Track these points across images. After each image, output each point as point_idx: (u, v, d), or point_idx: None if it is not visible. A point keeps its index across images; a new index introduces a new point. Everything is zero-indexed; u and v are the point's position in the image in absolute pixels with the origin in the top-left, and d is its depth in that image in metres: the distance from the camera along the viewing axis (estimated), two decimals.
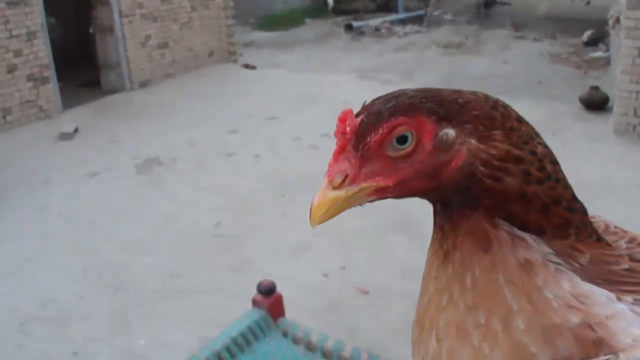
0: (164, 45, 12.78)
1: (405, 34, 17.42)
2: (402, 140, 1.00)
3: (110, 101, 11.53)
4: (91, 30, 12.32)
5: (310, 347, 2.98)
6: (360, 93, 11.33)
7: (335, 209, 1.01)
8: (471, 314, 1.01)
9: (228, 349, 3.02)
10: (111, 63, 12.07)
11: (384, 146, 1.00)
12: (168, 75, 12.88)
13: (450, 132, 1.01)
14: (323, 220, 1.01)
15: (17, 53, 10.21)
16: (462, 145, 1.01)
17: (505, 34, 16.53)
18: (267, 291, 3.22)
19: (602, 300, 0.97)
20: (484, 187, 1.01)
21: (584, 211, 1.09)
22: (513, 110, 1.08)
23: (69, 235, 6.82)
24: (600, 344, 0.94)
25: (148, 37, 12.42)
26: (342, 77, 12.59)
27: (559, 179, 1.06)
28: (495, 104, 1.06)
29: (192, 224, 6.89)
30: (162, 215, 7.13)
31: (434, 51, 15.19)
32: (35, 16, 10.39)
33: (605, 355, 0.93)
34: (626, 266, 1.05)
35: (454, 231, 1.05)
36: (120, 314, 5.37)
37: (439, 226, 1.08)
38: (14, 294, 5.78)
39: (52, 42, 10.92)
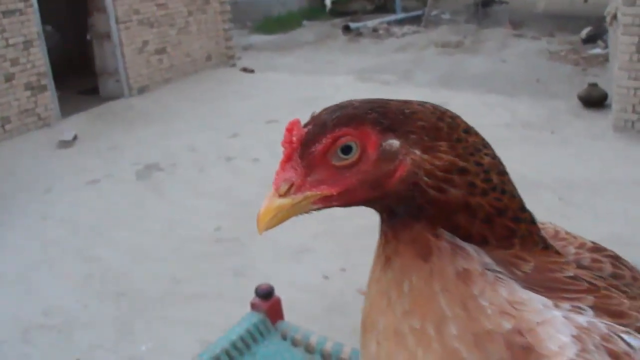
0: (161, 51, 12.79)
1: (404, 34, 17.41)
2: (346, 150, 1.01)
3: (109, 108, 11.54)
4: (88, 37, 12.34)
5: (309, 349, 2.99)
6: (359, 94, 11.21)
7: (281, 216, 1.03)
8: (407, 319, 1.03)
9: (227, 353, 3.02)
10: (109, 70, 12.08)
11: (328, 156, 1.02)
12: (166, 81, 12.89)
13: (394, 143, 1.02)
14: (269, 227, 1.04)
15: (14, 62, 10.21)
16: (406, 156, 1.02)
17: (503, 33, 16.52)
18: (265, 294, 3.22)
19: (536, 307, 0.99)
20: (428, 197, 1.02)
21: (531, 220, 1.11)
22: (462, 121, 1.09)
23: (71, 242, 6.83)
24: (529, 350, 0.95)
25: (145, 43, 12.43)
26: (341, 78, 12.59)
27: (506, 190, 1.07)
28: (443, 115, 1.07)
29: (193, 229, 6.90)
30: (162, 221, 7.14)
31: (433, 51, 15.18)
32: (31, 24, 10.39)
33: None
34: (571, 274, 1.06)
35: (396, 238, 1.06)
36: (123, 320, 5.37)
37: (383, 232, 1.10)
38: (17, 302, 5.79)
39: (50, 50, 10.93)
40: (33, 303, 5.72)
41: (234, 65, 14.39)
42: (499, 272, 1.02)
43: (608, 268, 1.18)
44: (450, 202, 1.02)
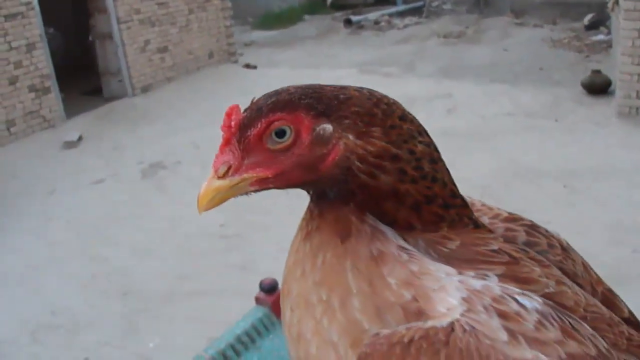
0: (163, 50, 12.81)
1: (405, 26, 17.38)
2: (280, 134, 1.05)
3: (113, 108, 11.57)
4: (90, 38, 12.36)
5: None
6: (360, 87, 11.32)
7: (219, 197, 1.07)
8: (316, 290, 1.07)
9: (233, 347, 3.04)
10: (112, 70, 12.11)
11: (264, 139, 1.06)
12: (169, 79, 12.91)
13: (327, 127, 1.05)
14: (209, 207, 1.07)
15: (18, 65, 10.25)
16: (339, 140, 1.05)
17: (505, 22, 16.46)
18: (270, 289, 3.24)
19: (438, 276, 1.03)
20: (360, 182, 1.05)
21: (463, 205, 1.14)
22: (399, 108, 1.11)
23: (77, 242, 6.87)
24: (421, 314, 1.00)
25: (147, 42, 12.45)
26: (343, 72, 12.57)
27: (437, 179, 1.10)
28: (378, 102, 1.09)
29: (197, 226, 6.91)
30: (167, 219, 7.17)
31: (435, 42, 15.15)
32: (34, 27, 10.43)
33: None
34: (495, 247, 1.10)
35: (321, 217, 1.10)
36: (130, 318, 5.41)
37: (309, 209, 1.13)
38: (24, 303, 5.83)
39: (53, 52, 10.97)
40: (40, 303, 5.76)
41: (235, 61, 14.39)
42: (414, 251, 1.06)
43: (522, 236, 1.21)
44: (380, 188, 1.06)
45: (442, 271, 1.04)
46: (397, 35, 16.44)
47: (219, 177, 1.06)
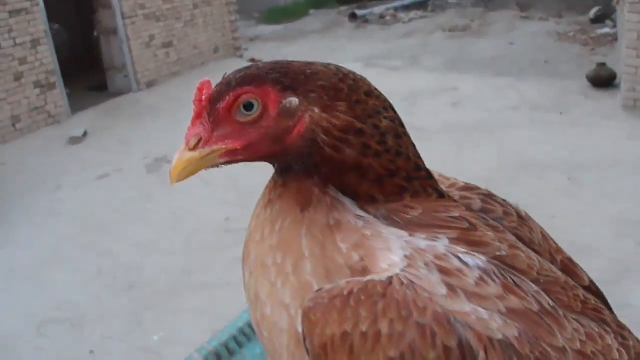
0: (168, 45, 12.82)
1: (410, 19, 17.34)
2: (248, 107, 1.09)
3: (118, 103, 11.60)
4: (95, 34, 12.38)
5: None
6: None
7: (191, 169, 1.10)
8: (272, 254, 1.12)
9: (235, 339, 3.05)
10: (117, 65, 12.14)
11: (232, 112, 1.09)
12: (174, 74, 12.93)
13: (294, 101, 1.09)
14: (180, 178, 1.11)
15: (23, 61, 10.28)
16: (305, 113, 1.08)
17: (511, 15, 16.40)
18: None
19: (387, 238, 1.06)
20: (324, 155, 1.08)
21: (427, 177, 1.17)
22: (366, 84, 1.15)
23: (83, 237, 6.90)
24: (364, 271, 1.04)
25: (152, 37, 12.47)
26: (348, 65, 12.16)
27: (401, 153, 1.13)
28: (345, 77, 1.12)
29: (203, 220, 6.94)
30: (172, 213, 7.19)
31: (440, 35, 15.12)
32: (38, 23, 10.45)
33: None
34: (456, 214, 1.14)
35: (284, 187, 1.14)
36: (135, 312, 5.43)
37: (274, 179, 1.18)
38: (30, 298, 5.86)
39: (58, 48, 10.99)
40: (46, 298, 5.80)
41: (241, 56, 14.40)
42: (370, 219, 1.09)
43: (477, 204, 1.25)
44: (344, 161, 1.09)
45: (392, 234, 1.07)
46: (403, 29, 16.41)
47: (190, 150, 1.09)
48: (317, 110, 1.08)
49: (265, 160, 1.15)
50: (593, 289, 1.30)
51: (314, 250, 1.07)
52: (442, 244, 1.07)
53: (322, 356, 1.02)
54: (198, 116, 1.10)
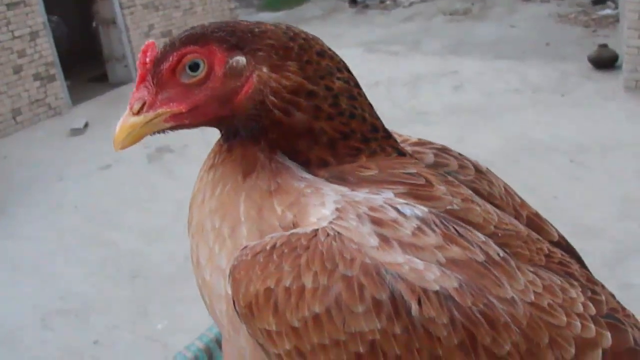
0: (167, 34, 12.76)
1: (411, 3, 17.24)
2: (194, 67, 1.04)
3: (119, 93, 11.56)
4: (94, 25, 12.34)
5: None
6: (367, 66, 11.26)
7: (135, 134, 1.06)
8: (211, 218, 1.08)
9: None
10: (116, 55, 12.10)
11: (177, 74, 1.05)
12: None
13: (240, 60, 1.04)
14: (125, 145, 1.07)
15: (21, 53, 10.26)
16: (252, 73, 1.04)
17: None
18: None
19: (324, 193, 1.02)
20: (273, 118, 1.04)
21: (385, 136, 1.12)
22: (318, 44, 1.09)
23: (86, 228, 6.90)
24: (295, 225, 1.00)
25: (151, 27, 12.43)
26: (349, 51, 12.47)
27: (355, 115, 1.08)
28: (295, 36, 1.07)
29: None
30: (174, 202, 7.17)
31: (441, 19, 15.04)
32: (37, 15, 10.42)
33: None
34: (413, 171, 1.08)
35: (229, 152, 1.10)
36: (138, 301, 5.44)
37: (219, 143, 1.14)
38: (35, 290, 5.88)
39: (57, 40, 10.96)
40: (50, 289, 5.81)
41: None
42: (315, 180, 1.05)
43: (430, 158, 1.20)
44: (294, 125, 1.05)
45: (332, 190, 1.03)
46: (403, 13, 16.32)
47: (134, 114, 1.05)
48: (265, 69, 1.03)
49: (212, 125, 1.11)
50: (563, 245, 1.25)
51: (251, 214, 1.04)
52: (382, 197, 1.02)
53: (249, 316, 0.98)
54: (142, 79, 1.05)
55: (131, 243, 6.45)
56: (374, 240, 0.94)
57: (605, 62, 9.88)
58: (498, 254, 1.00)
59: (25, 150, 9.40)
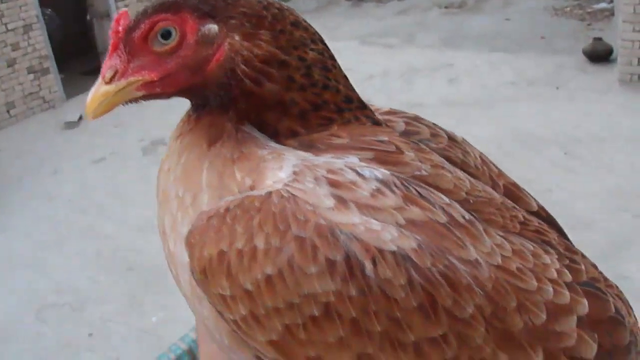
0: None
1: None
2: (166, 35, 1.02)
3: None
4: (88, 18, 12.29)
5: None
6: (362, 58, 11.27)
7: (107, 103, 1.04)
8: (175, 186, 1.07)
9: None
10: None
11: (149, 42, 1.03)
12: None
13: (212, 27, 1.03)
14: (97, 114, 1.05)
15: (15, 47, 10.22)
16: (224, 40, 1.02)
17: None
18: None
19: (285, 158, 1.01)
20: (244, 88, 1.03)
21: (360, 107, 1.11)
22: (292, 14, 1.08)
23: (81, 221, 6.89)
24: (252, 190, 0.99)
25: None
26: (344, 43, 12.47)
27: (328, 86, 1.07)
28: (269, 5, 1.06)
29: None
30: None
31: (436, 12, 15.02)
32: (30, 8, 10.37)
33: None
34: (384, 138, 1.06)
35: (197, 121, 1.08)
36: (133, 294, 5.44)
37: (188, 113, 1.12)
38: (29, 283, 5.87)
39: (51, 33, 10.91)
40: (45, 283, 5.81)
41: None
42: (279, 147, 1.04)
43: (401, 126, 1.17)
44: (264, 96, 1.03)
45: (294, 155, 1.02)
46: (398, 6, 16.30)
47: (106, 83, 1.03)
48: (237, 37, 1.02)
49: (184, 95, 1.09)
50: (543, 215, 1.22)
51: (212, 182, 1.03)
52: (343, 161, 1.00)
53: (205, 281, 0.96)
54: (115, 48, 1.03)
55: (125, 236, 6.44)
56: (329, 202, 0.93)
57: (600, 55, 9.89)
58: (463, 217, 0.98)
59: (19, 143, 9.37)
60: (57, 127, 9.91)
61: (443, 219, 0.95)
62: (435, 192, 1.00)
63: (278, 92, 1.03)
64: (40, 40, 10.56)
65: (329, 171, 0.97)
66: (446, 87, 9.69)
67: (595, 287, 1.07)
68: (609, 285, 1.16)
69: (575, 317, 0.99)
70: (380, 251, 0.89)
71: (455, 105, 8.78)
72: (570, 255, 1.10)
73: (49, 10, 12.08)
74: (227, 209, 0.96)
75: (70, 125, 9.88)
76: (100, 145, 8.91)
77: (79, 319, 5.21)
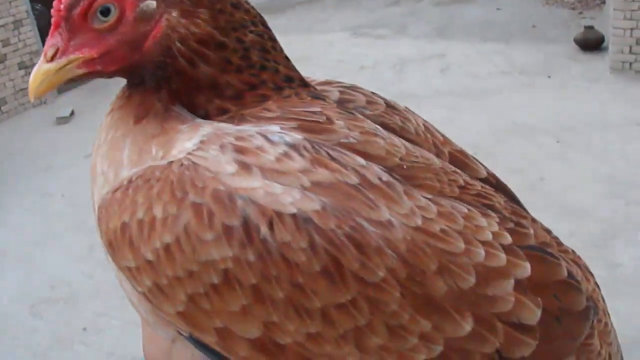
0: None
1: None
2: (105, 12, 1.02)
3: (104, 81, 11.16)
4: None
5: None
6: (353, 50, 11.26)
7: (49, 82, 1.03)
8: (101, 162, 1.07)
9: None
10: None
11: (88, 19, 1.03)
12: None
13: (151, 3, 1.02)
14: (39, 93, 1.04)
15: (5, 42, 10.17)
16: (162, 16, 1.02)
17: None
18: None
19: (201, 129, 1.00)
20: (178, 67, 1.02)
21: (301, 84, 1.11)
22: None
23: (74, 216, 6.87)
24: (161, 159, 0.99)
25: None
26: (335, 35, 12.48)
27: (267, 67, 1.07)
28: None
29: None
30: None
31: (427, 2, 14.99)
32: (20, 4, 10.32)
33: None
34: (316, 109, 1.05)
35: (128, 98, 1.09)
36: None
37: (122, 90, 1.12)
38: (23, 278, 5.87)
39: (41, 29, 10.86)
40: (39, 278, 5.80)
41: None
42: (201, 121, 1.04)
43: (335, 95, 1.17)
44: (197, 78, 1.03)
45: (210, 126, 1.01)
46: None
47: (47, 61, 1.03)
48: (174, 13, 1.02)
49: (125, 75, 1.08)
50: (492, 182, 1.19)
51: (132, 158, 1.03)
52: (257, 129, 0.98)
53: (113, 254, 0.97)
54: (56, 26, 1.03)
55: None
56: (231, 168, 0.91)
57: (592, 43, 9.90)
58: (379, 178, 0.95)
59: (11, 139, 9.34)
60: (49, 122, 9.88)
61: (354, 180, 0.92)
62: (352, 155, 0.97)
63: (212, 75, 1.03)
64: (30, 35, 10.51)
65: (238, 138, 0.96)
66: (438, 77, 9.69)
67: (544, 250, 1.03)
68: (564, 250, 1.14)
69: (512, 281, 0.95)
70: (279, 214, 0.87)
71: (447, 96, 8.79)
72: (516, 219, 1.07)
73: (39, 5, 12.01)
74: (130, 181, 0.96)
75: (62, 120, 9.85)
76: (93, 140, 8.83)
77: (73, 314, 5.21)
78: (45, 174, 8.07)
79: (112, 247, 0.96)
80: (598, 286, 1.20)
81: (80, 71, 1.04)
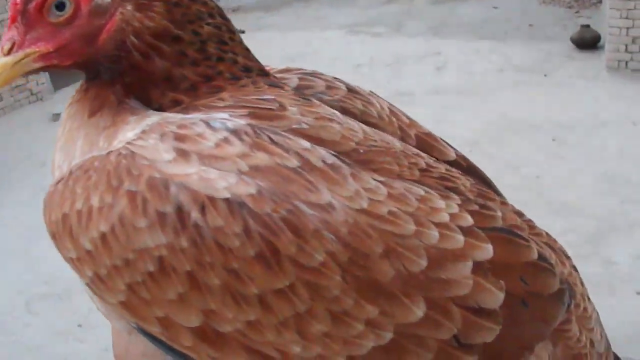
0: None
1: None
2: (60, 6, 1.03)
3: None
4: None
5: None
6: (349, 48, 11.24)
7: (6, 76, 1.04)
8: (58, 156, 1.10)
9: None
10: None
11: (44, 13, 1.03)
12: None
13: None
14: None
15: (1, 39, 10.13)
16: (117, 10, 1.03)
17: None
18: None
19: (147, 119, 1.00)
20: (132, 61, 1.03)
21: (260, 74, 1.11)
22: None
23: None
24: (105, 150, 0.99)
25: None
26: (332, 33, 12.47)
27: (224, 58, 1.07)
28: None
29: None
30: None
31: (423, 1, 14.97)
32: None
33: None
34: (268, 97, 1.05)
35: (85, 91, 1.10)
36: None
37: (82, 84, 1.13)
38: (18, 274, 5.86)
39: None
40: (34, 274, 5.79)
41: None
42: (145, 113, 1.04)
43: (294, 82, 1.17)
44: (152, 71, 1.04)
45: (158, 116, 1.01)
46: None
47: (4, 55, 1.04)
48: (129, 7, 1.02)
49: (81, 68, 1.10)
50: (462, 165, 1.18)
51: (84, 150, 1.04)
52: (202, 116, 0.99)
53: (56, 246, 0.98)
54: (13, 20, 1.04)
55: None
56: (169, 155, 0.91)
57: (588, 42, 9.91)
58: (323, 161, 0.93)
59: (7, 135, 9.31)
60: (44, 119, 9.85)
61: (294, 163, 0.91)
62: (295, 138, 0.96)
63: (167, 68, 1.03)
64: None
65: (180, 126, 0.96)
66: (434, 75, 9.69)
67: (512, 232, 1.01)
68: (537, 233, 1.12)
69: (470, 263, 0.92)
70: (211, 199, 0.87)
71: (443, 93, 8.79)
72: (483, 201, 1.05)
73: None
74: (71, 173, 0.97)
75: (58, 117, 9.80)
76: None
77: (68, 310, 5.20)
78: (41, 170, 8.03)
79: (55, 238, 0.98)
80: (576, 269, 1.17)
81: (37, 65, 1.05)
